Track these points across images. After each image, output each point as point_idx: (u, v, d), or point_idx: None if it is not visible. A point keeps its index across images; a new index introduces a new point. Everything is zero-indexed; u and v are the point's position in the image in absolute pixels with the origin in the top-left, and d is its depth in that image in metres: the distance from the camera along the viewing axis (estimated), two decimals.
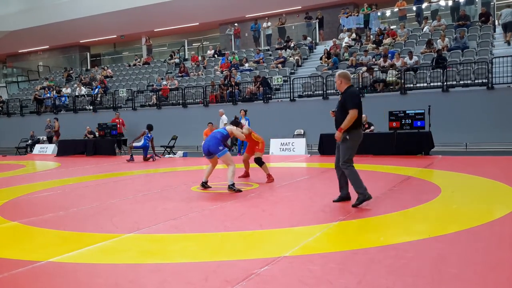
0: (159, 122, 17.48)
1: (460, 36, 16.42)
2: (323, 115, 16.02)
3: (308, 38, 21.73)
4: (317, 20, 22.12)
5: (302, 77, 17.79)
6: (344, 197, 5.96)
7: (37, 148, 19.97)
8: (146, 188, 8.07)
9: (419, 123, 12.05)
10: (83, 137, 18.50)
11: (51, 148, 19.23)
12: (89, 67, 29.26)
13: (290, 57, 20.39)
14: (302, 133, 16.11)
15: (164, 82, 21.17)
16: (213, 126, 13.24)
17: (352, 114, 5.46)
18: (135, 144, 14.34)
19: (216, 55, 23.72)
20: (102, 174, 10.77)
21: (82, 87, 23.72)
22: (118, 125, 18.16)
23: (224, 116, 15.61)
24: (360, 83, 15.86)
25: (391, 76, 15.59)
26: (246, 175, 8.79)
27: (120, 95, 21.18)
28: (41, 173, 12.02)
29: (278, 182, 8.13)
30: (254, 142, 8.44)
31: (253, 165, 8.55)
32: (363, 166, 9.98)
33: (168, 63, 24.67)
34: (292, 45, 21.13)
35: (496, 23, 18.50)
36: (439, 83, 14.81)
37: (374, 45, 18.27)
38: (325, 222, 4.88)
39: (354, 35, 20.19)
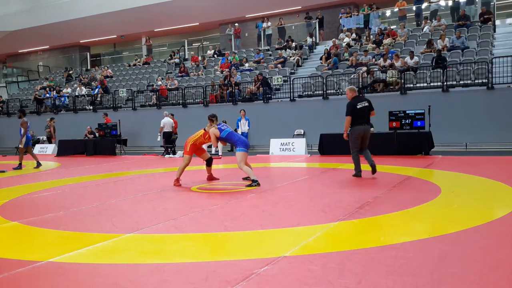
0: (159, 122, 17.49)
1: (457, 36, 16.43)
2: (323, 115, 16.12)
3: (312, 37, 21.71)
4: (317, 20, 22.12)
5: (302, 77, 17.79)
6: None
7: (37, 148, 19.97)
8: (146, 188, 8.06)
9: (419, 123, 12.05)
10: (83, 137, 18.51)
11: (51, 148, 19.24)
12: (89, 67, 29.27)
13: (290, 57, 20.39)
14: (302, 133, 16.12)
15: (160, 83, 21.15)
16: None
17: (346, 119, 8.16)
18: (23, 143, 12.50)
19: (216, 55, 23.72)
20: (102, 174, 10.77)
21: (82, 87, 23.73)
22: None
23: (166, 118, 15.97)
24: (360, 83, 15.86)
25: (391, 76, 15.60)
26: (211, 177, 8.69)
27: (120, 95, 21.19)
28: (41, 173, 12.02)
29: (278, 182, 8.14)
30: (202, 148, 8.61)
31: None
32: (363, 166, 9.97)
33: (168, 63, 24.68)
34: (293, 45, 21.13)
35: (497, 22, 18.49)
36: (439, 83, 14.81)
37: (374, 45, 18.27)
38: (325, 222, 4.88)
39: (354, 35, 20.20)
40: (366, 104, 8.19)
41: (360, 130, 8.14)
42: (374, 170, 8.07)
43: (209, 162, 8.60)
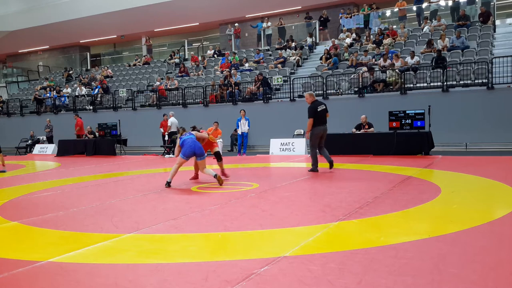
0: (159, 122, 17.50)
1: (457, 36, 16.42)
2: None
3: (312, 37, 21.64)
4: (320, 19, 21.95)
5: (302, 77, 17.79)
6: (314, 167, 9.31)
7: (37, 148, 19.98)
8: (146, 188, 8.07)
9: (419, 123, 12.05)
10: (83, 137, 18.50)
11: (51, 148, 19.24)
12: (89, 67, 29.26)
13: (290, 57, 20.38)
14: (302, 133, 16.10)
15: (157, 83, 21.12)
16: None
17: (308, 121, 9.11)
18: None
19: (216, 55, 23.72)
20: (102, 174, 10.77)
21: (82, 87, 23.73)
22: (77, 127, 18.39)
23: (173, 118, 15.98)
24: (360, 83, 15.86)
25: (391, 76, 15.59)
26: (196, 177, 8.97)
27: (120, 95, 21.20)
28: (41, 173, 12.02)
29: (278, 182, 8.14)
30: (211, 142, 9.23)
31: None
32: (363, 166, 9.98)
33: (168, 63, 24.67)
34: (293, 45, 21.11)
35: (497, 22, 18.48)
36: (439, 83, 14.81)
37: (374, 45, 18.27)
38: (325, 222, 4.88)
39: (354, 35, 20.19)
40: (324, 107, 9.24)
41: (320, 130, 9.15)
42: (331, 166, 9.23)
43: (218, 157, 9.07)
